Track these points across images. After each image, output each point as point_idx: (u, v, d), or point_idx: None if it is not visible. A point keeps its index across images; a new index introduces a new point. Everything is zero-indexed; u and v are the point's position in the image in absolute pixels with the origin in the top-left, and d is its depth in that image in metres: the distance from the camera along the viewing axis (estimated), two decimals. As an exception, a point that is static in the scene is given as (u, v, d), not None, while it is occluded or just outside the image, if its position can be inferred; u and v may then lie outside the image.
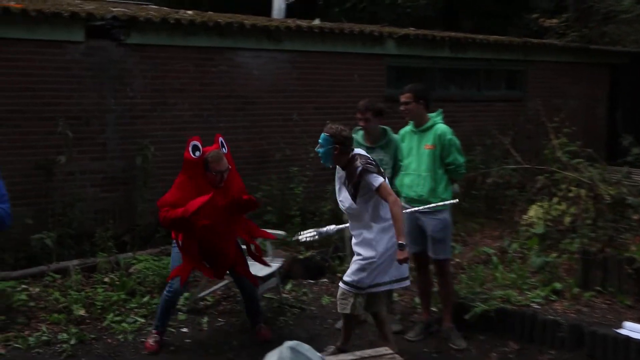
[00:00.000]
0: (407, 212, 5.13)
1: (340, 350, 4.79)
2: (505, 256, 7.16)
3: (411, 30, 10.49)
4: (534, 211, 7.46)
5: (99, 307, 5.90)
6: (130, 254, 6.97)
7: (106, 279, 6.47)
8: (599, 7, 13.35)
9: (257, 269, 5.82)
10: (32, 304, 5.94)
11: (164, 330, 5.36)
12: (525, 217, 7.55)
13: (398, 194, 5.42)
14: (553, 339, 5.27)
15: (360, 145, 5.55)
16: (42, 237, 6.70)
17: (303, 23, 9.29)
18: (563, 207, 7.19)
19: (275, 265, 6.08)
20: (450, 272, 5.67)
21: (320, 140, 4.73)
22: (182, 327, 5.73)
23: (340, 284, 4.84)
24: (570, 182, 7.30)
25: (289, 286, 6.71)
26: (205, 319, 5.89)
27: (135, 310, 5.95)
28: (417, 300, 6.06)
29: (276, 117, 8.91)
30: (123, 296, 6.11)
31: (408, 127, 5.50)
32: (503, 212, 8.55)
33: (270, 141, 8.84)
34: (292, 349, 3.34)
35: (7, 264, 6.54)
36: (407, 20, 13.70)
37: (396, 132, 5.63)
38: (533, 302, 5.90)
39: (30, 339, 5.34)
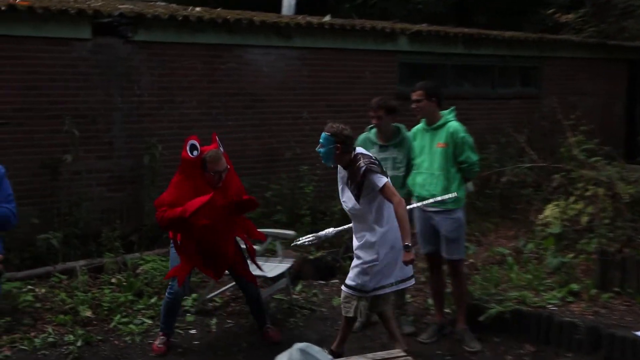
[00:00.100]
0: (410, 208, 5.04)
1: (335, 354, 4.63)
2: (520, 256, 7.08)
3: (424, 27, 10.40)
4: (550, 210, 7.37)
5: (105, 308, 5.85)
6: (137, 254, 6.91)
7: (113, 280, 6.42)
8: (617, 2, 13.20)
9: (267, 270, 5.79)
10: (38, 305, 5.90)
11: (170, 332, 5.32)
12: (541, 216, 7.46)
13: (411, 192, 5.35)
14: (570, 341, 5.20)
15: (373, 144, 5.48)
16: (48, 237, 6.67)
17: (313, 19, 9.21)
18: (580, 206, 7.09)
19: (285, 265, 6.03)
20: (464, 272, 5.60)
21: (321, 140, 4.67)
22: (191, 329, 5.69)
23: (343, 287, 4.79)
24: (587, 180, 7.21)
25: (299, 287, 6.64)
26: (214, 321, 5.84)
27: (143, 311, 5.90)
28: (430, 301, 6.01)
29: (286, 115, 8.82)
30: (130, 297, 6.06)
31: (420, 125, 5.43)
32: (518, 211, 8.49)
33: (280, 139, 8.75)
34: (302, 351, 3.33)
35: (12, 264, 6.47)
36: (419, 16, 13.58)
37: (408, 130, 5.56)
38: (549, 303, 5.80)
39: (36, 340, 5.31)
